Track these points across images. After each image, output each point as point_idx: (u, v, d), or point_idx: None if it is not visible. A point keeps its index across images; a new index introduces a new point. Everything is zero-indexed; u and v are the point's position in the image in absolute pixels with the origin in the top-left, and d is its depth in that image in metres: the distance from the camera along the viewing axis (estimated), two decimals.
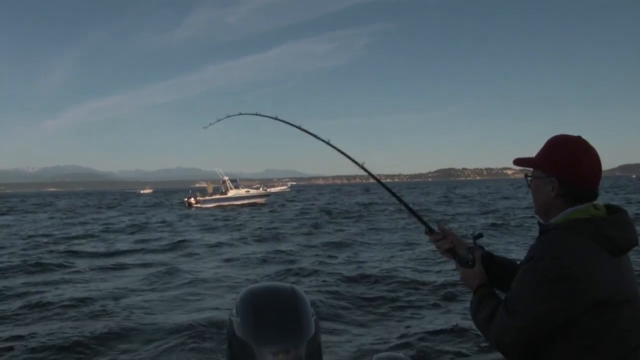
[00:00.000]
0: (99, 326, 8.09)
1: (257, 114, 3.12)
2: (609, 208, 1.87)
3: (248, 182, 72.82)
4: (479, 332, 1.99)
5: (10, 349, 7.18)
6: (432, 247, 2.35)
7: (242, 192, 57.13)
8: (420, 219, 2.38)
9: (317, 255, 15.26)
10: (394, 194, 2.59)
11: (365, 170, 2.67)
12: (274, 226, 26.05)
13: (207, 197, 56.06)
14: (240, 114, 3.22)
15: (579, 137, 1.89)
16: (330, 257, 14.70)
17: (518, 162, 2.06)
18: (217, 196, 56.00)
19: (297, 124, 2.91)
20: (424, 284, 10.29)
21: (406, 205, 2.49)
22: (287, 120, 2.93)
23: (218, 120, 3.42)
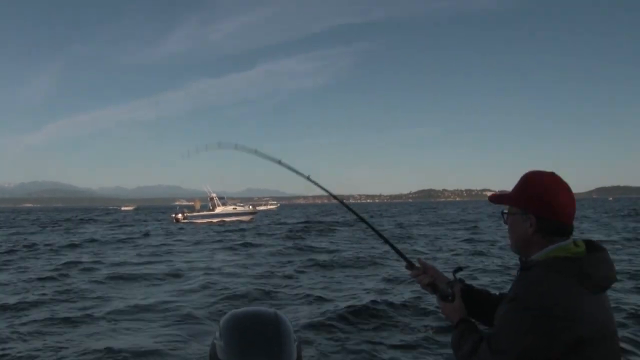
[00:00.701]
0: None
1: (235, 147, 2.99)
2: (588, 245, 1.90)
3: (232, 201, 72.30)
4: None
5: None
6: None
7: (229, 209, 57.58)
8: (400, 253, 2.39)
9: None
10: (373, 229, 2.61)
11: (346, 206, 2.73)
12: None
13: (195, 213, 56.40)
14: (219, 145, 3.07)
15: (553, 173, 1.95)
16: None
17: (494, 198, 2.11)
18: (205, 212, 56.35)
19: (277, 158, 2.81)
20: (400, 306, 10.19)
21: (386, 240, 2.51)
22: (267, 155, 2.83)
23: (197, 151, 3.30)
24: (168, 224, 52.01)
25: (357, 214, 2.73)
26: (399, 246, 2.50)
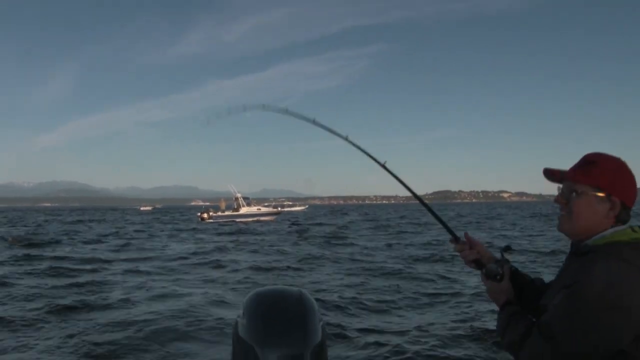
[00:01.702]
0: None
1: (263, 107, 2.83)
2: None
3: (256, 201, 73.59)
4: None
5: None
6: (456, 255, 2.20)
7: (253, 209, 59.31)
8: (445, 225, 2.25)
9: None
10: (418, 198, 2.52)
11: (388, 170, 2.45)
12: None
13: (220, 213, 58.11)
14: (244, 107, 2.90)
15: (621, 158, 1.87)
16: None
17: (552, 173, 1.93)
18: (230, 212, 58.05)
19: (311, 118, 2.67)
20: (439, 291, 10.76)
21: (432, 210, 2.39)
22: (299, 114, 2.68)
23: (219, 117, 3.13)
24: (197, 223, 53.02)
25: (400, 179, 2.45)
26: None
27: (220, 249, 22.43)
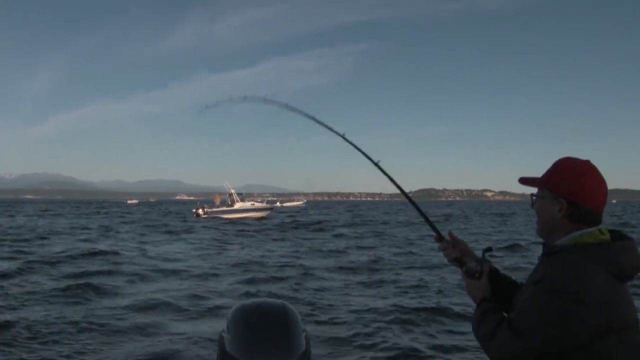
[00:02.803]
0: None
1: (264, 100, 2.85)
2: (613, 233, 1.88)
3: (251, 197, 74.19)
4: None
5: None
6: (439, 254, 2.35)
7: (247, 204, 59.27)
8: (431, 224, 2.38)
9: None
10: (408, 198, 2.62)
11: (381, 169, 2.58)
12: None
13: (215, 209, 58.53)
14: (245, 98, 2.91)
15: (588, 161, 1.92)
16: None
17: (524, 181, 2.03)
18: (224, 208, 58.38)
19: (311, 114, 2.69)
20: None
21: (419, 209, 2.49)
22: (299, 109, 2.69)
23: (218, 105, 3.15)
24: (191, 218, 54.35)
25: (392, 179, 2.59)
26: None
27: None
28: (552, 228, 1.92)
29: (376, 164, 2.55)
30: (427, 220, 2.40)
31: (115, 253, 19.05)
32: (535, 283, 1.79)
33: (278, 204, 69.13)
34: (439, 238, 2.34)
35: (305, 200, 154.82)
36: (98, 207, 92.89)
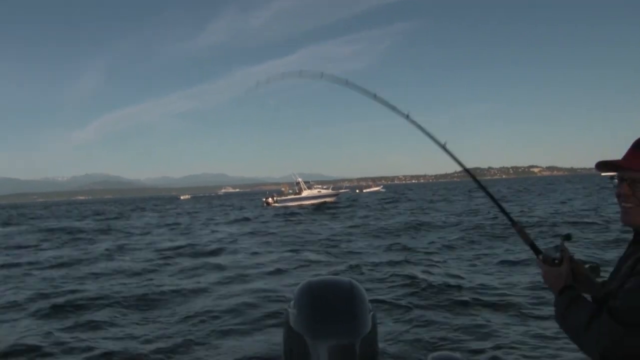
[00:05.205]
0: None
1: (322, 76, 2.68)
2: None
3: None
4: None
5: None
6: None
7: (314, 192, 61.37)
8: (503, 209, 2.26)
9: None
10: (478, 183, 2.51)
11: (448, 151, 2.42)
12: None
13: (284, 197, 60.95)
14: (300, 73, 2.77)
15: None
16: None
17: (603, 165, 1.79)
18: (293, 196, 60.67)
19: (372, 91, 2.52)
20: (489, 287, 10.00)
21: (490, 195, 2.37)
22: (360, 86, 2.53)
23: (268, 82, 3.02)
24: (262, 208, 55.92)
25: (460, 162, 2.47)
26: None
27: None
28: None
29: (442, 146, 2.40)
30: (496, 203, 2.29)
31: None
32: (638, 273, 1.59)
33: (357, 190, 70.44)
34: (514, 223, 2.18)
35: (382, 185, 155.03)
36: (157, 204, 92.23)
